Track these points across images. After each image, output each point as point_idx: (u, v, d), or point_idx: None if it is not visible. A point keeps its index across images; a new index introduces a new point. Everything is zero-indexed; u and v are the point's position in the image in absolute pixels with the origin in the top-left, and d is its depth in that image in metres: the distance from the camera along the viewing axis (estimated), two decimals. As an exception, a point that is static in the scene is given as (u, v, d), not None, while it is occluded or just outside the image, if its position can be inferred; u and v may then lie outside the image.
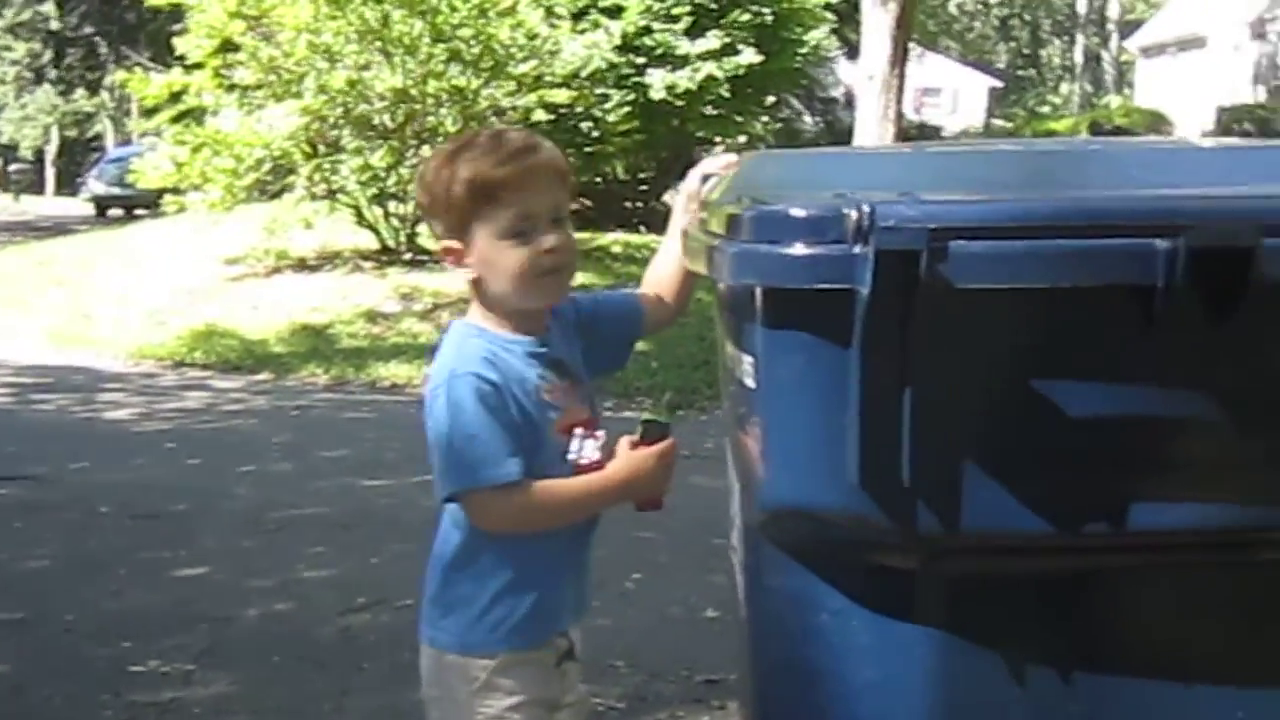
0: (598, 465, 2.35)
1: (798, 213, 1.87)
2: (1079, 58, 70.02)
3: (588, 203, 17.12)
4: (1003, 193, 1.99)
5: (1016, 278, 1.81)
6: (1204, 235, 1.80)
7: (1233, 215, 1.86)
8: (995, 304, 1.83)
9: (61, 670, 4.52)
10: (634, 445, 2.34)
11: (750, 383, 2.00)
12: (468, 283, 2.40)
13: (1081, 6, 69.54)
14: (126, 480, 7.45)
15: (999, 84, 66.85)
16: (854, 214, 1.78)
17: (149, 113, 14.95)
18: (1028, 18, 78.84)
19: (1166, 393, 1.89)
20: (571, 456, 2.33)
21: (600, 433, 2.39)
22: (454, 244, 2.33)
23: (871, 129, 21.96)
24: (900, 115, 22.39)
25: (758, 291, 1.94)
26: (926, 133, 35.05)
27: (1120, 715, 2.02)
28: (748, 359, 2.01)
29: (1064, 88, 72.74)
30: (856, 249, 1.79)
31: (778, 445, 2.00)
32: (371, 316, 12.50)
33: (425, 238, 14.66)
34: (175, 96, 13.80)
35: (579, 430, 2.36)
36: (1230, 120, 32.42)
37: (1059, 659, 2.01)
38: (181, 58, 13.62)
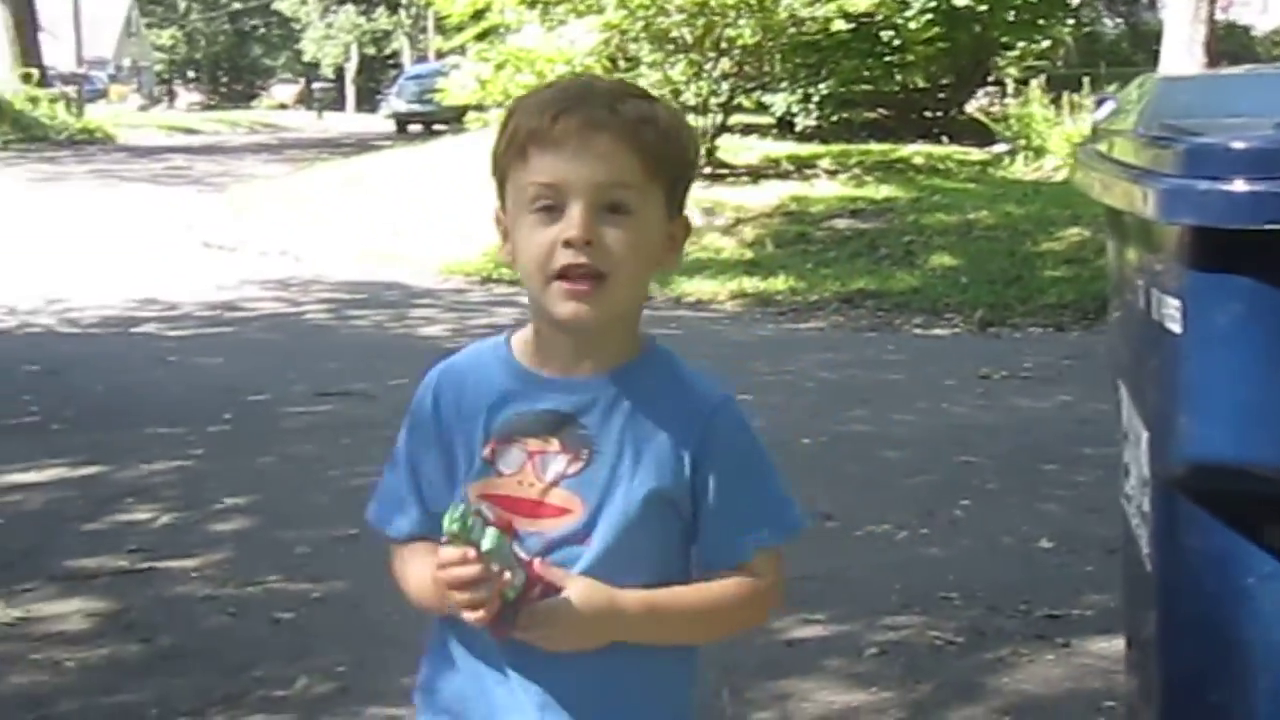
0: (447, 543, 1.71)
1: (1239, 145, 1.76)
2: None
3: (886, 113, 16.89)
4: None
5: None
6: None
7: None
8: None
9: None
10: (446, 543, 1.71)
11: (1175, 327, 1.89)
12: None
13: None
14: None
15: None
16: None
17: (450, 31, 15.14)
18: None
19: None
20: (444, 539, 1.71)
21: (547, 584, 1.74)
22: (500, 214, 1.83)
23: (1181, 31, 21.10)
24: (1212, 15, 21.48)
25: (1184, 230, 1.83)
26: (1236, 36, 33.66)
27: None
28: (1172, 302, 1.90)
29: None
30: None
31: (1206, 396, 1.89)
32: (674, 231, 12.53)
33: (724, 151, 14.63)
34: (478, 14, 13.99)
35: (502, 521, 1.72)
36: None
37: None
38: (470, -29, 13.79)
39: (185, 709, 3.82)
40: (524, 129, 1.74)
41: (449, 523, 1.66)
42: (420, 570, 1.80)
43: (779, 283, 10.81)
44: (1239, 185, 1.73)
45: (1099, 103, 2.36)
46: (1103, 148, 2.21)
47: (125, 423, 6.89)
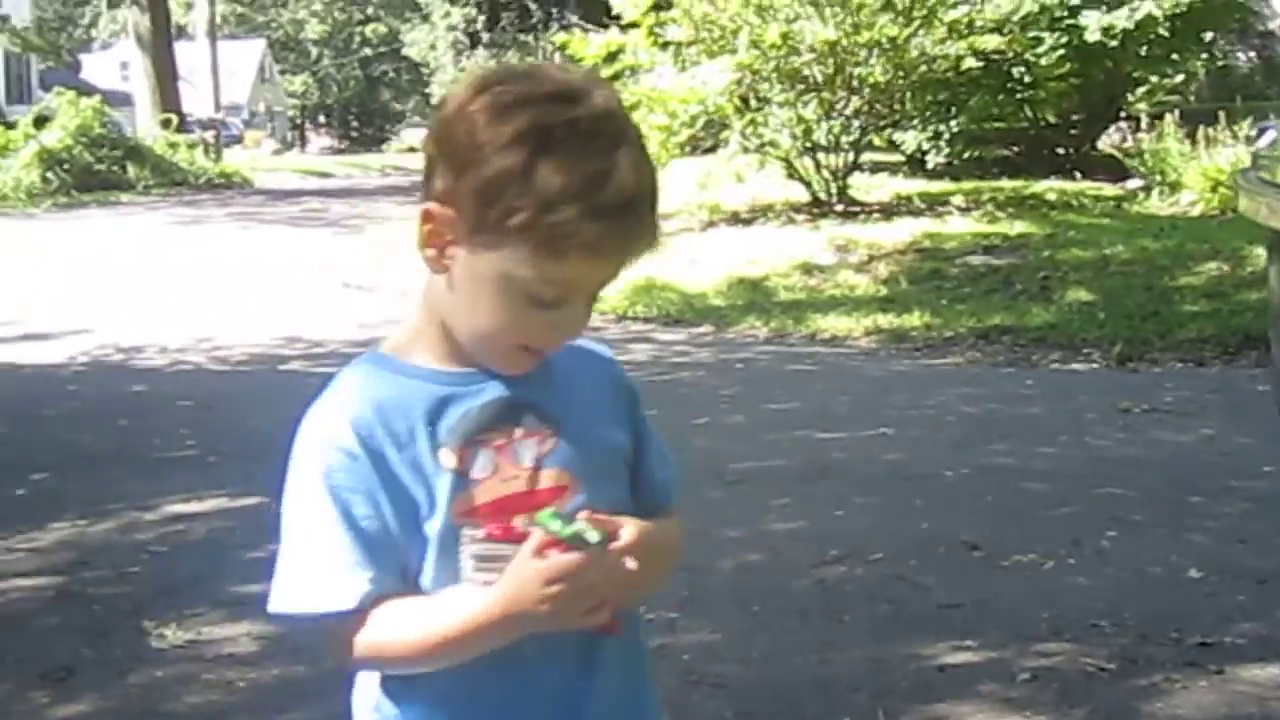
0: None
1: None
2: None
3: (1018, 149, 16.84)
4: None
5: None
6: None
7: None
8: None
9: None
10: (542, 547, 1.58)
11: None
12: (426, 266, 1.71)
13: None
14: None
15: None
16: None
17: (585, 73, 15.34)
18: None
19: None
20: (465, 577, 1.64)
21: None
22: (446, 214, 1.65)
23: (1318, 64, 20.82)
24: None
25: None
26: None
27: None
28: None
29: None
30: None
31: None
32: (807, 269, 12.55)
33: (856, 189, 14.66)
34: (611, 56, 14.14)
35: (494, 532, 1.65)
36: None
37: None
38: (617, 17, 13.94)
39: None
40: (573, 229, 1.56)
41: (560, 527, 1.58)
42: (431, 618, 1.62)
43: (914, 319, 10.78)
44: None
45: (1260, 132, 2.41)
46: (1267, 174, 2.26)
47: (278, 456, 6.96)
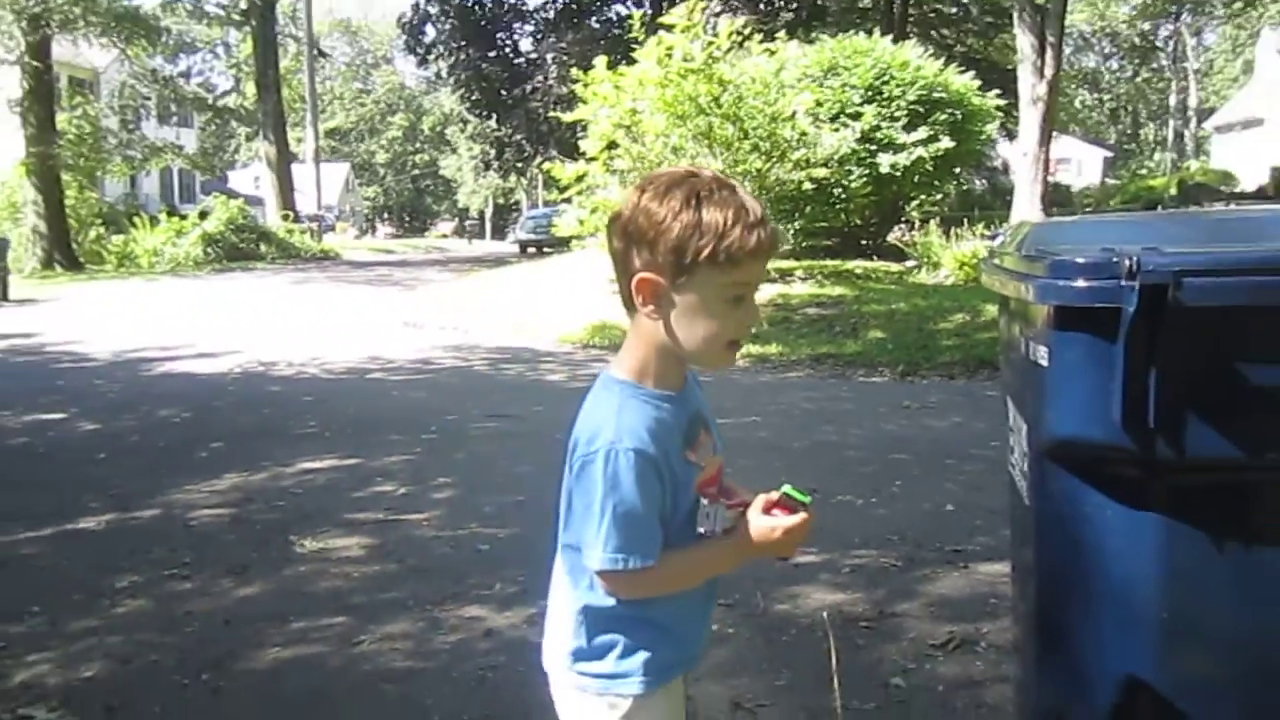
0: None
1: (1081, 260, 1.90)
2: (1169, 135, 65.99)
3: (837, 240, 16.95)
4: (1207, 246, 1.99)
5: (1226, 300, 1.83)
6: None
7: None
8: (1211, 316, 1.84)
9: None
10: (768, 507, 1.65)
11: (1043, 361, 2.01)
12: (637, 321, 1.63)
13: (1171, 100, 65.51)
14: (568, 418, 7.75)
15: (1110, 154, 63.46)
16: (1127, 262, 1.82)
17: (561, 189, 15.33)
18: (1130, 108, 74.83)
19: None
20: (702, 529, 1.66)
21: (734, 494, 1.71)
22: (659, 279, 1.57)
23: (1026, 189, 21.17)
24: (1045, 179, 21.50)
25: (1052, 309, 1.95)
26: (1060, 191, 33.53)
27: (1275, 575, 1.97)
28: (1042, 349, 2.02)
29: (1157, 156, 68.67)
30: (1124, 282, 1.82)
31: (1062, 399, 1.99)
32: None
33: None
34: (579, 178, 14.15)
35: (711, 496, 1.67)
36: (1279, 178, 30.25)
37: (1242, 538, 1.97)
38: (583, 153, 13.96)
39: (429, 601, 3.99)
40: (745, 244, 1.54)
41: (800, 494, 1.64)
42: (690, 560, 1.64)
43: (772, 348, 10.86)
44: (1080, 283, 1.88)
45: (993, 236, 2.49)
46: (998, 261, 2.36)
47: (371, 432, 7.07)
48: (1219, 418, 1.89)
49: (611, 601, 1.66)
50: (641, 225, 1.57)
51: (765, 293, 13.19)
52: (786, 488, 1.65)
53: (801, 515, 1.64)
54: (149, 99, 32.07)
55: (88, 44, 26.93)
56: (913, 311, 12.03)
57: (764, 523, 1.63)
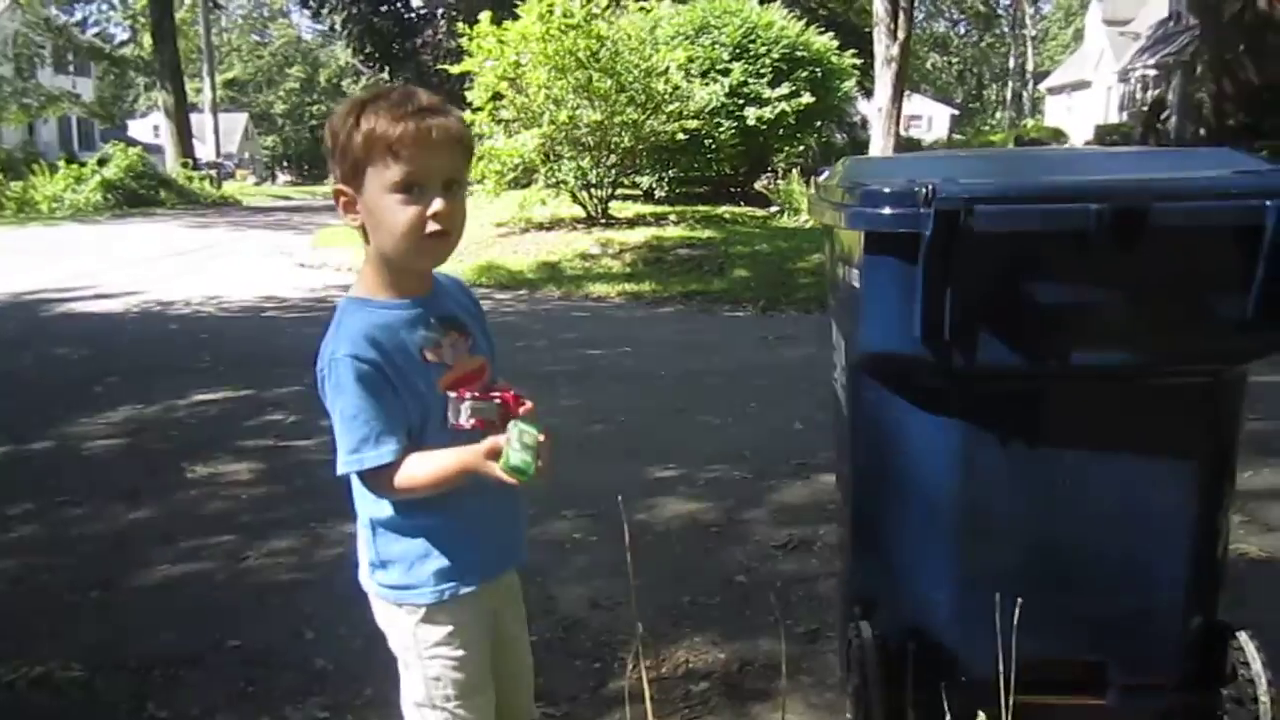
0: (480, 427, 1.58)
1: (888, 189, 1.95)
2: (1008, 95, 67.75)
3: (708, 188, 17.01)
4: (1001, 178, 2.05)
5: (1012, 225, 1.88)
6: (1115, 202, 1.86)
7: (1131, 190, 1.90)
8: (1000, 240, 1.89)
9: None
10: (489, 452, 1.55)
11: (856, 284, 2.06)
12: (358, 232, 1.61)
13: (1011, 63, 67.18)
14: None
15: (957, 112, 64.84)
16: (923, 190, 1.87)
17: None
18: (975, 70, 76.50)
19: (1093, 290, 1.94)
20: (451, 423, 1.59)
21: (498, 391, 1.64)
22: (346, 189, 1.56)
23: (880, 142, 21.45)
24: (897, 133, 21.84)
25: (863, 234, 1.99)
26: (912, 145, 34.09)
27: (1060, 472, 2.05)
28: (855, 270, 2.07)
29: (998, 114, 70.40)
30: (922, 209, 1.87)
31: (872, 317, 2.03)
32: (584, 256, 12.50)
33: (614, 209, 14.69)
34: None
35: (461, 391, 1.59)
36: (1102, 134, 31.35)
37: (1029, 440, 2.05)
38: (469, 104, 13.69)
39: (315, 519, 3.95)
40: (388, 133, 1.50)
41: (530, 426, 1.55)
42: (438, 461, 1.57)
43: (645, 286, 10.86)
44: (885, 210, 1.92)
45: (819, 173, 2.54)
46: (822, 195, 2.40)
47: (263, 366, 6.89)
48: (1007, 331, 1.96)
49: (390, 511, 1.64)
50: (328, 144, 1.58)
51: (641, 234, 13.23)
52: (522, 421, 1.57)
53: (497, 444, 1.54)
54: (43, 48, 30.30)
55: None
56: (774, 252, 12.10)
57: (480, 449, 1.56)
